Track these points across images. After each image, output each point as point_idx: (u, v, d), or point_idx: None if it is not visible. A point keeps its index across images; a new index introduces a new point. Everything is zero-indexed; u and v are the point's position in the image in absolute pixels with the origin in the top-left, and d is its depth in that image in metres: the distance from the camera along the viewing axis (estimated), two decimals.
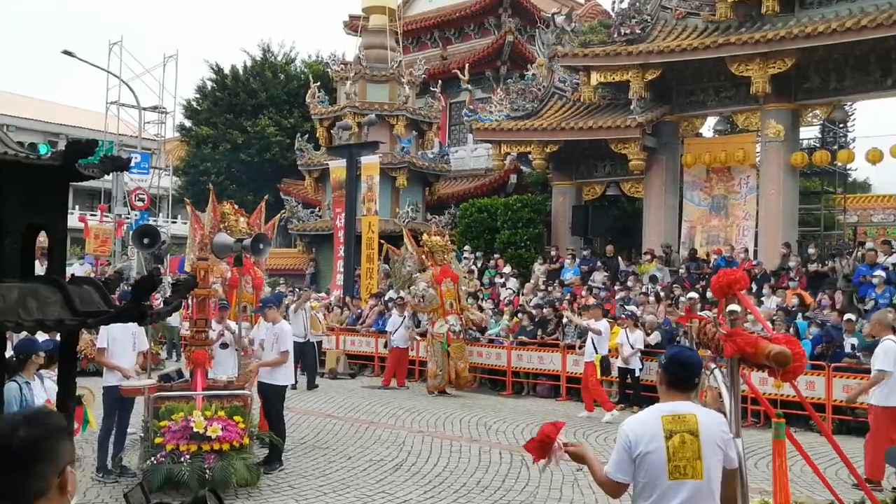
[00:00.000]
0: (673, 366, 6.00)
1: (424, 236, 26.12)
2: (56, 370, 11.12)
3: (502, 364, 25.27)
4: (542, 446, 6.18)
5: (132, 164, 42.30)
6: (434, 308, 24.77)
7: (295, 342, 20.99)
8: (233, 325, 16.63)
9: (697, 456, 5.69)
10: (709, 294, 22.68)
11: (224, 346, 16.28)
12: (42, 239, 4.09)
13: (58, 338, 11.95)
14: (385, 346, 27.10)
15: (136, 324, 12.91)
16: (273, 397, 15.01)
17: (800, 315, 21.93)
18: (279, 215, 25.39)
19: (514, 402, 23.26)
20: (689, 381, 5.97)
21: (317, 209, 44.33)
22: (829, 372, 19.08)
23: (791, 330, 19.66)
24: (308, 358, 25.14)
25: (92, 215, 53.91)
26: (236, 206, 19.05)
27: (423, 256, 25.67)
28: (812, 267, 25.57)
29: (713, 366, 6.76)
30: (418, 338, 26.85)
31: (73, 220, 40.96)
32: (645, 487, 5.80)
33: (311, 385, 24.53)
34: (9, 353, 8.67)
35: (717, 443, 5.77)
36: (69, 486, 3.12)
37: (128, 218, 45.55)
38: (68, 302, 3.75)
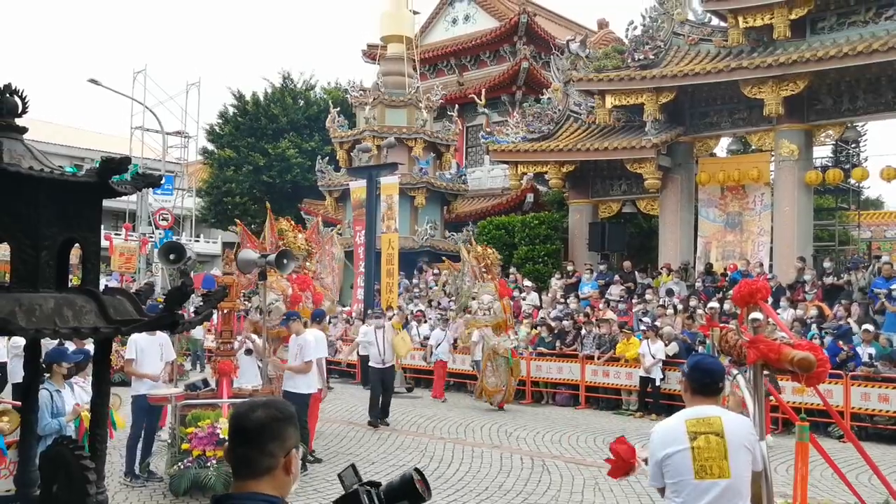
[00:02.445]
0: (697, 372, 5.98)
1: (479, 249, 24.90)
2: (86, 378, 11.13)
3: (521, 374, 24.74)
4: (621, 466, 6.49)
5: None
6: (500, 322, 23.21)
7: (374, 368, 20.78)
8: (255, 336, 16.55)
9: (724, 456, 5.67)
10: (726, 306, 22.53)
11: (248, 351, 16.13)
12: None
13: (86, 347, 11.91)
14: (425, 359, 26.54)
15: (163, 335, 12.94)
16: (295, 405, 14.80)
17: (814, 326, 21.65)
18: (334, 230, 24.83)
19: (534, 410, 23.12)
20: (714, 387, 5.96)
21: (337, 227, 44.22)
22: (847, 380, 19.01)
23: None
24: (387, 386, 20.72)
25: (117, 234, 53.94)
26: (293, 223, 18.87)
27: (483, 270, 24.13)
28: (828, 280, 25.31)
29: (735, 372, 6.67)
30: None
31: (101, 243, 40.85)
32: (674, 487, 5.81)
33: (383, 416, 20.34)
34: None
35: (744, 444, 5.79)
36: (293, 469, 3.45)
37: (152, 237, 45.61)
38: (103, 311, 3.81)
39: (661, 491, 6.01)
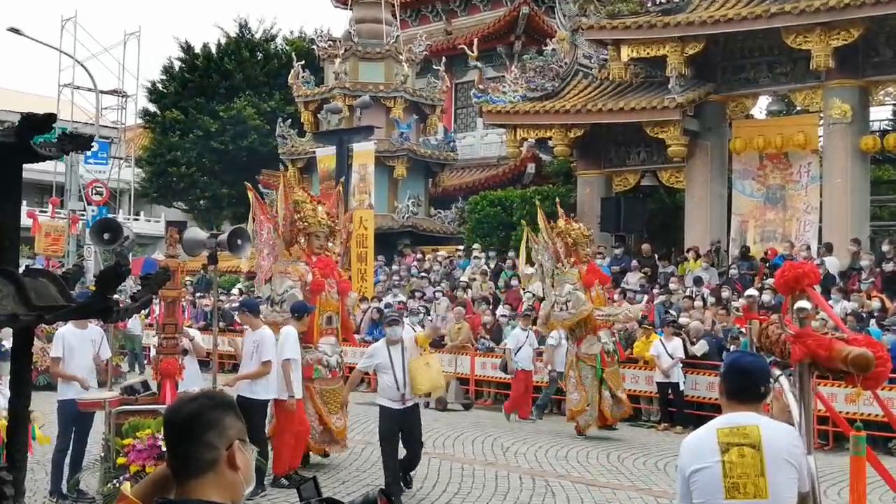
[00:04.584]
0: (732, 373, 5.92)
1: (561, 223, 21.80)
2: (1, 379, 11.10)
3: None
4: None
5: (90, 151, 42.71)
6: (583, 319, 20.53)
7: (386, 409, 14.76)
8: (191, 331, 16.44)
9: (760, 472, 5.57)
10: (766, 296, 22.45)
11: (185, 351, 15.97)
12: None
13: (3, 343, 11.92)
14: (504, 368, 24.43)
15: (97, 330, 12.88)
16: (253, 413, 14.71)
17: (873, 322, 21.52)
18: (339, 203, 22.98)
19: (533, 421, 23.03)
20: (752, 391, 5.85)
21: None
22: None
23: None
24: (410, 436, 15.06)
25: (42, 211, 53.85)
26: (311, 193, 18.22)
27: (565, 249, 21.44)
28: (888, 267, 25.09)
29: (778, 373, 6.62)
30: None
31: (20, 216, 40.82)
32: None
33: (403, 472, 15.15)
34: None
35: (785, 458, 5.64)
36: (239, 462, 3.54)
37: (83, 214, 45.52)
38: (22, 295, 3.74)
39: None
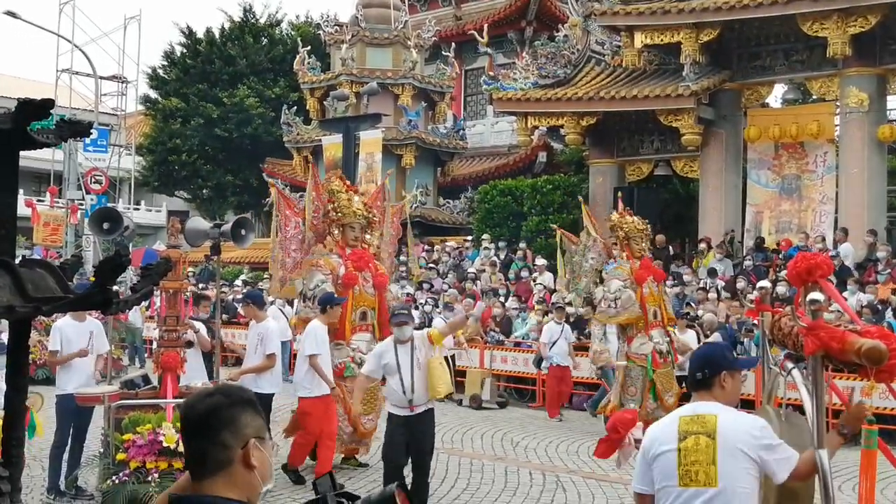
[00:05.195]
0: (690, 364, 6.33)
1: (615, 216, 20.89)
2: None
3: (531, 371, 24.71)
4: (610, 441, 6.73)
5: (89, 139, 42.68)
6: (633, 317, 19.60)
7: (393, 416, 13.28)
8: (196, 323, 16.19)
9: (712, 460, 5.78)
10: (781, 288, 22.42)
11: (189, 343, 15.86)
12: None
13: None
14: (538, 364, 24.17)
15: (95, 322, 12.79)
16: None
17: (890, 313, 21.51)
18: (386, 198, 21.55)
19: (546, 415, 22.90)
20: (701, 378, 6.11)
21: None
22: None
23: None
24: (417, 442, 13.05)
25: (40, 200, 53.73)
26: (348, 183, 17.66)
27: (616, 244, 20.80)
28: None
29: (791, 366, 6.63)
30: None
31: (18, 205, 40.69)
32: (659, 495, 5.99)
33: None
34: None
35: (739, 447, 5.79)
36: (254, 461, 3.56)
37: (82, 203, 45.42)
38: (19, 286, 3.71)
39: (641, 498, 6.17)
